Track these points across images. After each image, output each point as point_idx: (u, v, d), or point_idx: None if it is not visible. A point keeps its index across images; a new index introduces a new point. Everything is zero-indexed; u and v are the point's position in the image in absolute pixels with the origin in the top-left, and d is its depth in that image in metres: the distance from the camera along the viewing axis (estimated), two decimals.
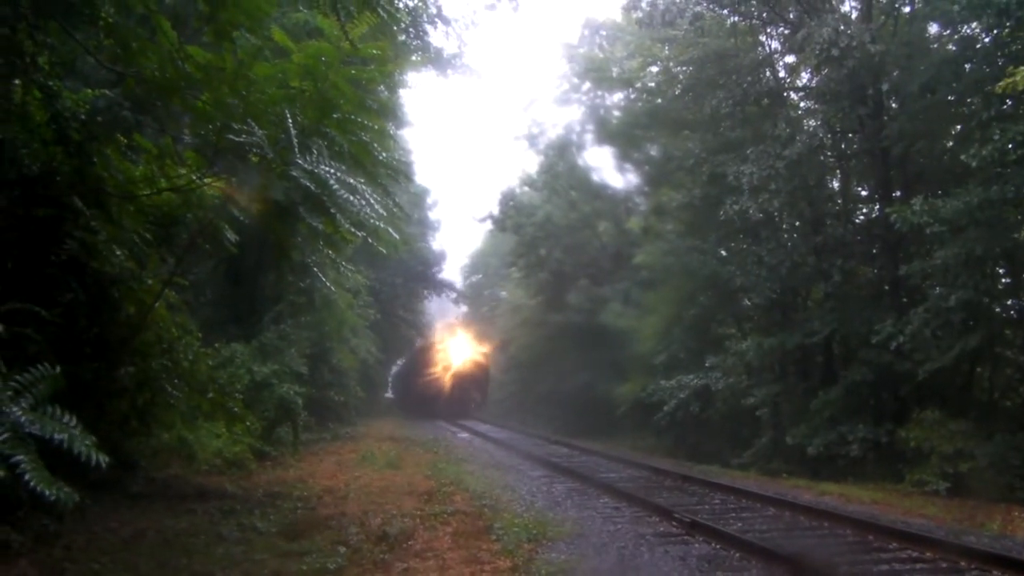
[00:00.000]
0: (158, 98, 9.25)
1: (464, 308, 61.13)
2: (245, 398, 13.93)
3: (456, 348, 44.25)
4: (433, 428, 30.43)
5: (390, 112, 16.38)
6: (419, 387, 44.22)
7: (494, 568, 8.26)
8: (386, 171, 11.12)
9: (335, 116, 9.57)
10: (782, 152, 18.68)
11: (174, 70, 8.59)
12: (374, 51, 10.10)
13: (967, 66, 16.59)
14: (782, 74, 23.27)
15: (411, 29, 22.27)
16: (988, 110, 15.13)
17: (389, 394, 57.05)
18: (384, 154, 10.83)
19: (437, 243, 50.20)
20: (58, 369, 5.97)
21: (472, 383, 43.95)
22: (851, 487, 15.30)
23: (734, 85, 21.07)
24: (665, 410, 23.93)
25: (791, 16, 20.94)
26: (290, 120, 8.69)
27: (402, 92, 23.44)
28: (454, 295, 56.76)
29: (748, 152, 19.73)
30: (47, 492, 5.19)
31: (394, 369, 56.88)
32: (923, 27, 18.55)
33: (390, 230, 10.94)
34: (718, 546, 9.59)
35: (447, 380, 42.91)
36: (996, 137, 14.15)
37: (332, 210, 9.22)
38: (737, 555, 9.14)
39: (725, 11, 21.92)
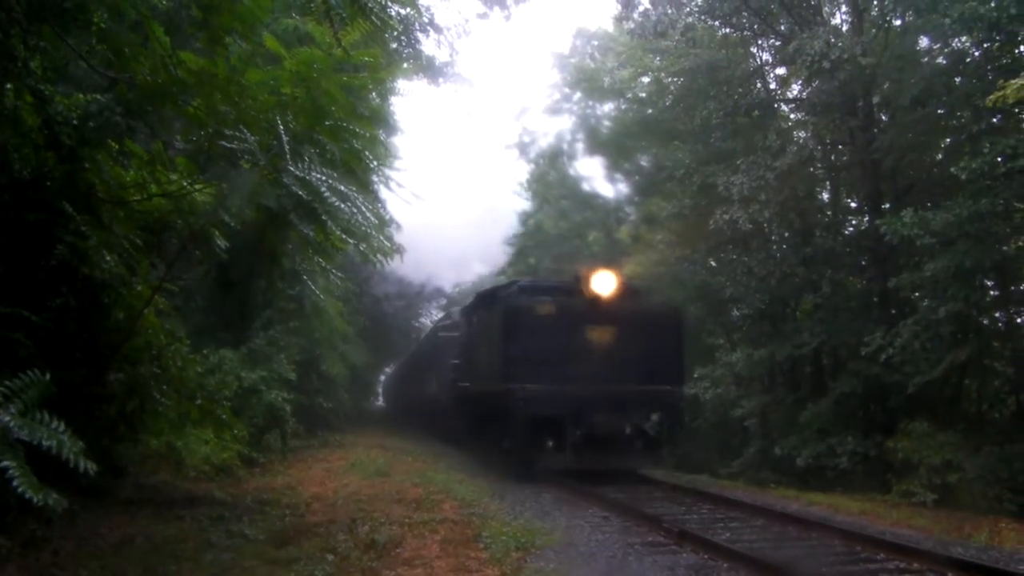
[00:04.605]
0: (150, 103, 9.22)
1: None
2: (234, 404, 13.89)
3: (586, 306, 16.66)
4: (422, 436, 30.21)
5: (382, 119, 16.38)
6: (455, 396, 22.56)
7: None
8: (378, 178, 11.15)
9: (327, 123, 9.55)
10: (772, 163, 18.74)
11: (166, 75, 8.59)
12: (366, 58, 10.13)
13: (958, 79, 16.69)
14: (773, 86, 23.43)
15: (403, 37, 22.41)
16: (978, 123, 15.28)
17: (380, 402, 56.74)
18: (376, 161, 10.84)
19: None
20: (48, 374, 5.95)
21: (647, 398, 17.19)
22: (839, 498, 15.29)
23: (725, 96, 21.12)
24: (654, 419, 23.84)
25: (782, 28, 21.06)
26: (282, 127, 8.68)
27: (394, 100, 23.48)
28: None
29: (739, 163, 19.77)
30: (35, 498, 5.17)
31: (383, 377, 56.16)
32: (914, 40, 18.61)
33: (381, 237, 10.95)
34: (707, 556, 9.57)
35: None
36: (986, 150, 14.24)
37: (323, 217, 9.23)
38: (726, 565, 9.12)
39: (717, 23, 22.01)
